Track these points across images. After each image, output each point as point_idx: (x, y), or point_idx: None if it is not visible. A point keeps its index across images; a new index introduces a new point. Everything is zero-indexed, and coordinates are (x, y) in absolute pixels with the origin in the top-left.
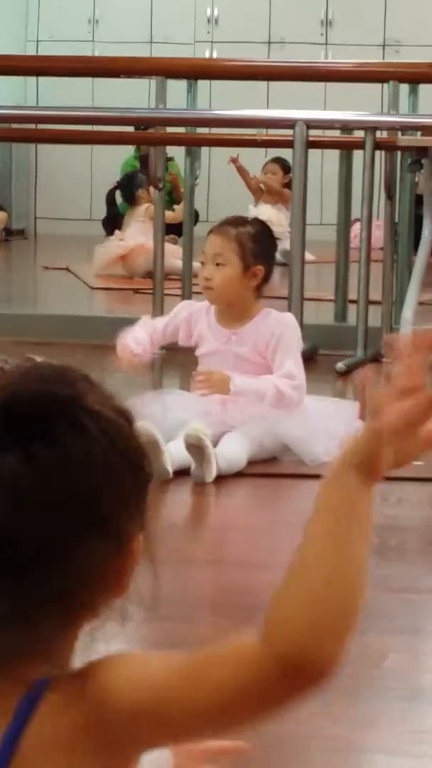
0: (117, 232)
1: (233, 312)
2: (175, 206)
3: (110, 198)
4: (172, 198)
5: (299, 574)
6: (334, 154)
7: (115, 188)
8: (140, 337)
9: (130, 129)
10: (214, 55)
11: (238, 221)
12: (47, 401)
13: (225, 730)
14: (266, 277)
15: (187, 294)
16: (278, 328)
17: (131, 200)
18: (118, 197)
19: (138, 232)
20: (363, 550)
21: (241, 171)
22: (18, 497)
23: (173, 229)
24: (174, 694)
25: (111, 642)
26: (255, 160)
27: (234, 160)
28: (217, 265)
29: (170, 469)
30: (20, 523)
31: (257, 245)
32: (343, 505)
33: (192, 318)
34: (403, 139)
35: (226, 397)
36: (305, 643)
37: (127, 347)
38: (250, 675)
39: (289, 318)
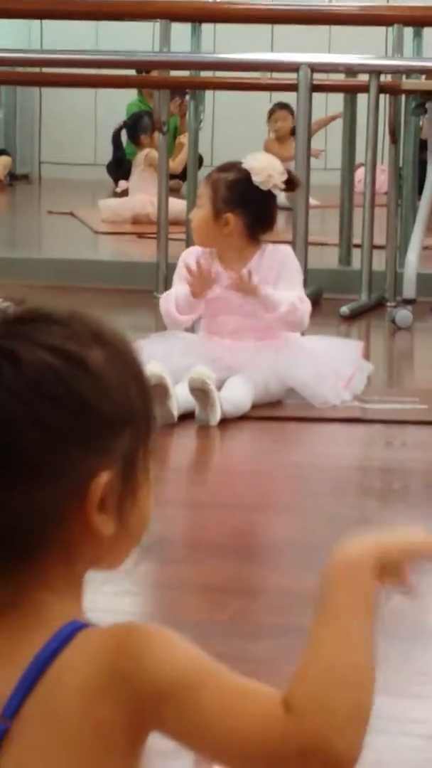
0: (122, 182)
1: (227, 255)
2: (173, 159)
3: (116, 139)
4: (176, 132)
5: (338, 667)
6: (338, 98)
7: (121, 128)
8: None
9: (133, 73)
10: None
11: (226, 167)
12: None
13: (227, 763)
14: (251, 225)
15: (190, 239)
16: (278, 256)
17: (137, 142)
18: (124, 138)
19: (140, 181)
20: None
21: None
22: None
23: (177, 174)
24: (201, 708)
25: (117, 584)
26: (260, 106)
27: None
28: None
29: (176, 414)
30: None
31: (230, 193)
32: (362, 601)
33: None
34: (408, 83)
35: (234, 343)
36: (337, 742)
37: (172, 317)
38: (270, 742)
39: (286, 248)
